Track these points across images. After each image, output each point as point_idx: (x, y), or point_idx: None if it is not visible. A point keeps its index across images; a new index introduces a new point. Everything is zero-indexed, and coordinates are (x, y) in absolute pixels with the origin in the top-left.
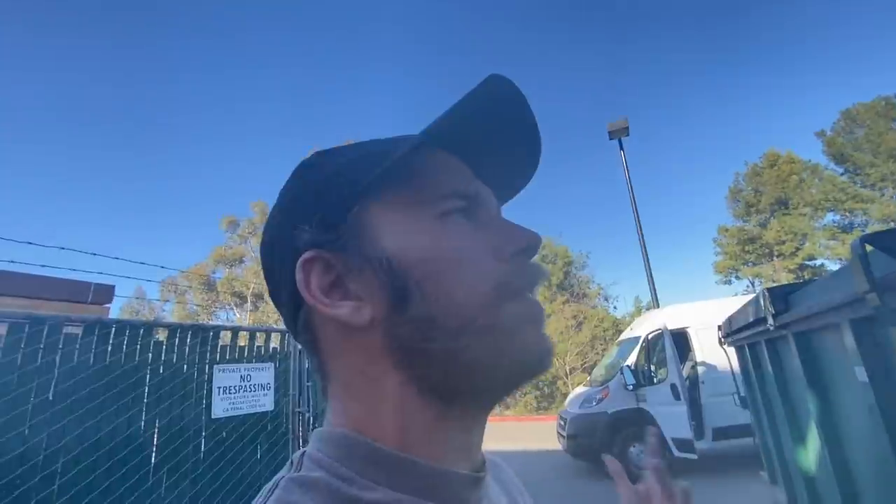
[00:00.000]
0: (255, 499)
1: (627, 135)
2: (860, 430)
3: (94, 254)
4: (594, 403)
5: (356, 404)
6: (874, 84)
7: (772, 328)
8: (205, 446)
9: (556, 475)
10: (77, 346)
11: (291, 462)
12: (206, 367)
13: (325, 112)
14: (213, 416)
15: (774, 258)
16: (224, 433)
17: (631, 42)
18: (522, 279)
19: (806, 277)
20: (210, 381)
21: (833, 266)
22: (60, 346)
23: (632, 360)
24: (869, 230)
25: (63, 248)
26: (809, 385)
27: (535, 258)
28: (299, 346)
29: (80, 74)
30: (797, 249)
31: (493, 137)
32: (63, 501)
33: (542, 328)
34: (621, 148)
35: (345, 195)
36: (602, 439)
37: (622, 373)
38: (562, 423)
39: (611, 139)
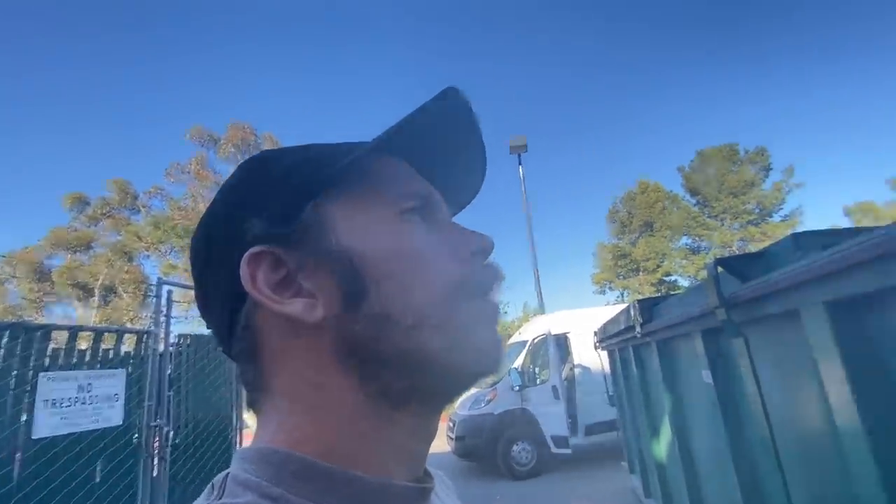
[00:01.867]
0: None
1: (526, 150)
2: (703, 425)
3: None
4: (483, 405)
5: (295, 416)
6: (727, 127)
7: (639, 335)
8: (20, 472)
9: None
10: None
11: (212, 486)
12: (30, 374)
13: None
14: (33, 437)
15: (640, 273)
16: (51, 455)
17: (532, 63)
18: (482, 279)
19: (663, 291)
20: (33, 391)
21: (685, 282)
22: None
23: (519, 362)
24: (711, 254)
25: None
26: (665, 385)
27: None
28: (160, 350)
29: None
30: (658, 266)
31: (443, 149)
32: None
33: (496, 327)
34: (520, 163)
35: (300, 190)
36: (488, 439)
37: (510, 374)
38: (451, 425)
39: (511, 153)
